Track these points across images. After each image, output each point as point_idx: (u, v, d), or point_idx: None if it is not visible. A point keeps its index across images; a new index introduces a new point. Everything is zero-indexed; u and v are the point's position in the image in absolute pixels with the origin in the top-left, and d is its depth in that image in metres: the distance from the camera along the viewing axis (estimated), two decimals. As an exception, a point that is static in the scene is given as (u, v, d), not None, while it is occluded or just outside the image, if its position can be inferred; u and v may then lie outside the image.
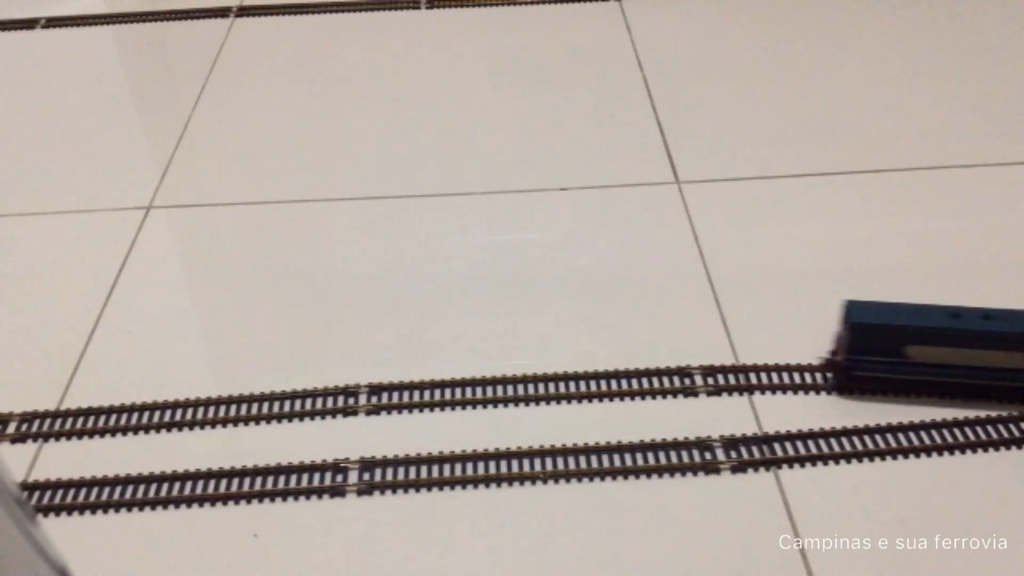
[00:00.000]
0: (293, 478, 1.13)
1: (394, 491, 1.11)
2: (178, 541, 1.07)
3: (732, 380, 1.21)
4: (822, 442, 1.14)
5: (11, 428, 1.19)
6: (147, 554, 1.05)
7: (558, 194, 1.55)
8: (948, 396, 1.18)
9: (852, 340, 1.15)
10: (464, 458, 1.14)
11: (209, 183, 1.60)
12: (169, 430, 1.19)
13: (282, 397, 1.22)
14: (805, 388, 1.21)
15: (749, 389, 1.21)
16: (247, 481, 1.12)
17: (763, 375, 1.22)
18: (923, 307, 1.16)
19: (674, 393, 1.21)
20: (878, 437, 1.15)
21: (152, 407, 1.21)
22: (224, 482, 1.12)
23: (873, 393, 1.19)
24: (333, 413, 1.20)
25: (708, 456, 1.13)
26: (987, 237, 1.43)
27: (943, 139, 1.62)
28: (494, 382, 1.23)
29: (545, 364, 1.25)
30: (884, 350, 1.15)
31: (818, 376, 1.21)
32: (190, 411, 1.21)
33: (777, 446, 1.14)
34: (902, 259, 1.40)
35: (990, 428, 1.15)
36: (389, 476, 1.13)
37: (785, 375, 1.22)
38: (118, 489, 1.12)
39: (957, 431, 1.14)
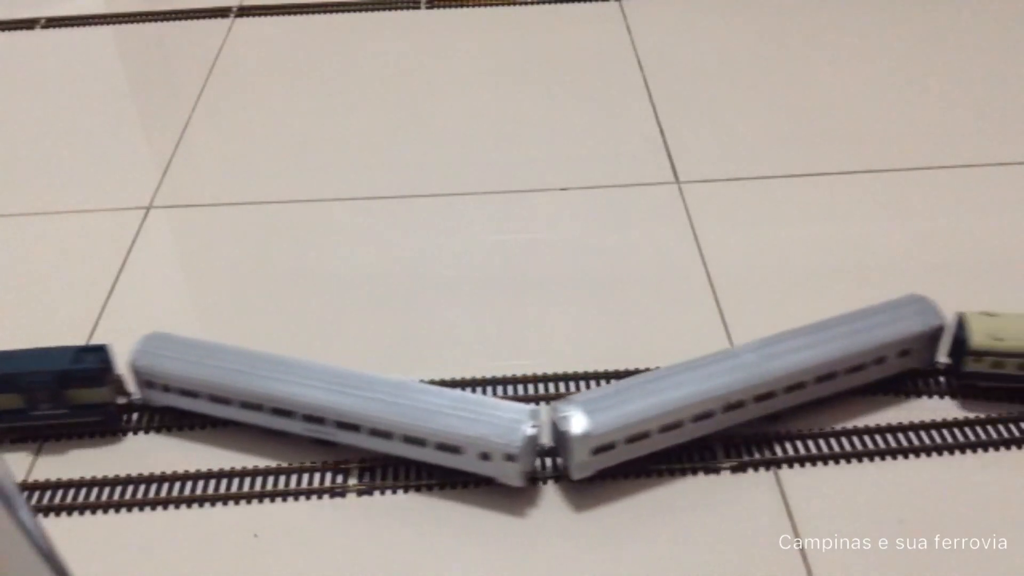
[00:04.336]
0: (293, 478, 1.13)
1: (394, 491, 1.11)
2: (178, 541, 1.07)
3: (732, 380, 1.21)
4: (822, 442, 1.14)
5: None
6: (147, 554, 1.05)
7: (558, 194, 1.55)
8: None
9: None
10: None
11: (209, 183, 1.60)
12: (169, 430, 1.19)
13: (282, 397, 1.22)
14: (805, 388, 1.21)
15: (749, 389, 1.21)
16: (247, 481, 1.12)
17: (763, 375, 1.22)
18: None
19: None
20: (878, 437, 1.15)
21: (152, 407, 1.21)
22: (224, 482, 1.12)
23: None
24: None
25: (708, 456, 1.13)
26: (987, 237, 1.43)
27: (943, 139, 1.62)
28: (494, 382, 1.23)
29: (545, 364, 1.24)
30: None
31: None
32: (190, 411, 1.21)
33: (777, 446, 1.14)
34: (902, 259, 1.40)
35: (990, 428, 1.15)
36: (389, 476, 1.13)
37: (785, 375, 1.22)
38: (118, 489, 1.12)
39: (957, 431, 1.14)
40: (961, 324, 1.15)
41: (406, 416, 1.07)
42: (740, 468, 1.12)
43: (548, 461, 1.13)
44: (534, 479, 1.11)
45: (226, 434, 1.17)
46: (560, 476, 1.11)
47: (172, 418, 1.19)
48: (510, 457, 1.04)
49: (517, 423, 1.04)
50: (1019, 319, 1.14)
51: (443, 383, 1.22)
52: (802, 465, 1.12)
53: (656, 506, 1.08)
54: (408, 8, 2.07)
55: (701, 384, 1.09)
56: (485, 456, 1.05)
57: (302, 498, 1.10)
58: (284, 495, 1.11)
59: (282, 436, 1.15)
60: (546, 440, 1.12)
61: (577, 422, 1.04)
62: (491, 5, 2.06)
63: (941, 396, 1.19)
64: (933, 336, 1.17)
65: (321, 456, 1.14)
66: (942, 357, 1.20)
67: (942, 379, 1.20)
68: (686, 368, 1.11)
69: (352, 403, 1.08)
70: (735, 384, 1.09)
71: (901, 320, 1.16)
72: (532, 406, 1.09)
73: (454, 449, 1.06)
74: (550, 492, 1.10)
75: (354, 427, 1.09)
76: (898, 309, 1.17)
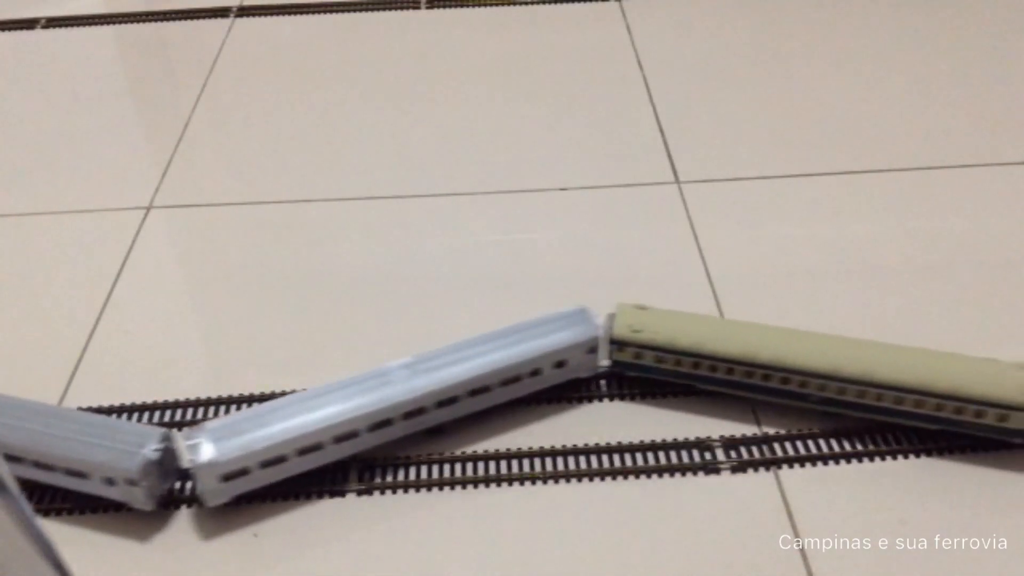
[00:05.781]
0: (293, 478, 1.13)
1: (394, 491, 1.11)
2: (178, 541, 1.07)
3: (732, 380, 1.22)
4: (822, 442, 1.14)
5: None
6: (147, 554, 1.05)
7: (558, 194, 1.55)
8: None
9: None
10: (464, 458, 1.14)
11: (209, 183, 1.60)
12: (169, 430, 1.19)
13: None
14: (805, 388, 1.21)
15: (749, 389, 1.21)
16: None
17: (763, 375, 1.22)
18: None
19: (674, 393, 1.21)
20: (877, 437, 1.15)
21: (152, 407, 1.21)
22: (224, 482, 1.12)
23: None
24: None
25: (708, 456, 1.13)
26: (987, 237, 1.43)
27: (943, 139, 1.63)
28: (494, 382, 1.23)
29: (545, 364, 1.25)
30: None
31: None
32: (190, 411, 1.21)
33: (777, 446, 1.14)
34: (902, 259, 1.40)
35: (990, 428, 1.15)
36: (389, 476, 1.13)
37: (785, 375, 1.22)
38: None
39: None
40: (612, 315, 1.19)
41: (33, 442, 1.05)
42: (740, 468, 1.12)
43: (190, 485, 1.12)
44: (173, 503, 1.10)
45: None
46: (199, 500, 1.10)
47: None
48: (132, 481, 1.03)
49: (139, 447, 1.04)
50: (667, 315, 1.18)
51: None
52: (802, 465, 1.12)
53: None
54: (408, 8, 2.07)
55: (343, 404, 1.08)
56: (110, 481, 1.05)
57: (302, 498, 1.10)
58: (285, 495, 1.11)
59: None
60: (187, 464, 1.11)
61: (204, 450, 1.03)
62: (491, 5, 2.06)
63: (602, 399, 1.20)
64: (590, 346, 1.17)
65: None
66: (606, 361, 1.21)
67: (602, 383, 1.23)
68: (332, 388, 1.10)
69: None
70: (379, 402, 1.09)
71: (556, 332, 1.16)
72: (163, 429, 1.07)
73: (80, 474, 1.05)
74: (184, 517, 1.09)
75: None
76: (556, 321, 1.18)
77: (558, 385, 1.20)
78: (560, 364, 1.17)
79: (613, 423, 1.18)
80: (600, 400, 1.21)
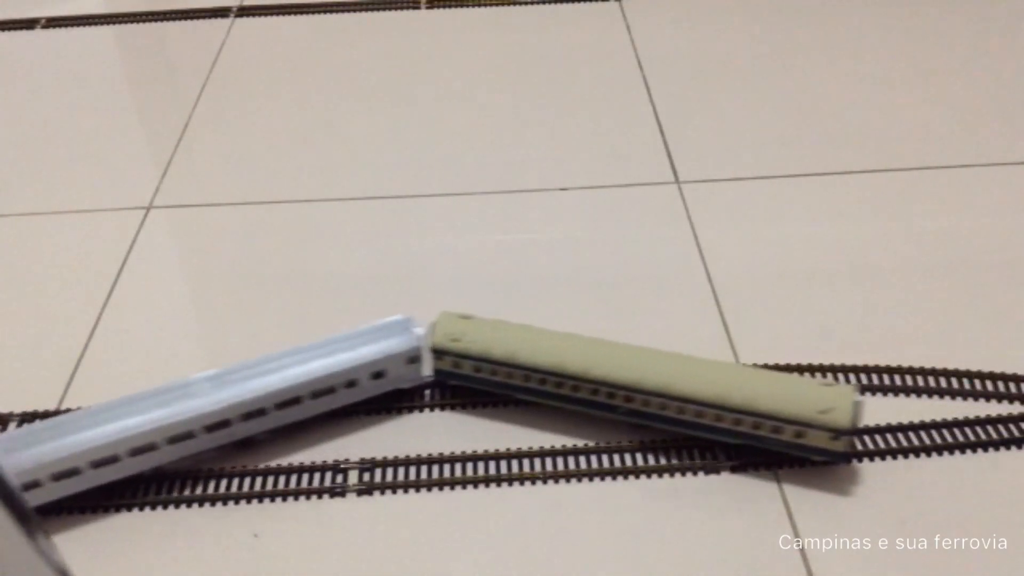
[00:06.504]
0: (293, 478, 1.13)
1: (394, 491, 1.11)
2: (178, 541, 1.07)
3: (732, 380, 1.21)
4: (822, 442, 1.14)
5: (11, 428, 1.19)
6: (147, 554, 1.05)
7: (558, 194, 1.55)
8: None
9: None
10: (464, 458, 1.14)
11: (209, 183, 1.60)
12: None
13: (282, 397, 1.22)
14: (805, 388, 1.21)
15: (749, 389, 1.21)
16: (247, 481, 1.12)
17: (763, 375, 1.22)
18: None
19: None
20: (878, 437, 1.15)
21: (152, 407, 1.21)
22: (224, 482, 1.12)
23: None
24: (333, 413, 1.20)
25: (708, 456, 1.13)
26: (987, 237, 1.43)
27: (943, 139, 1.63)
28: (494, 382, 1.23)
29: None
30: None
31: (819, 375, 1.21)
32: (190, 411, 1.21)
33: (777, 446, 1.14)
34: (902, 259, 1.40)
35: (990, 428, 1.15)
36: (389, 476, 1.13)
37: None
38: (118, 489, 1.12)
39: (957, 431, 1.15)
40: (433, 324, 1.18)
41: None
42: (740, 468, 1.12)
43: None
44: None
45: None
46: None
47: None
48: None
49: None
50: (486, 324, 1.16)
51: (443, 383, 1.23)
52: (802, 465, 1.12)
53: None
54: (408, 8, 2.07)
55: (141, 416, 1.07)
56: None
57: (302, 498, 1.11)
58: (284, 495, 1.11)
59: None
60: None
61: None
62: (491, 5, 2.06)
63: (432, 408, 1.20)
64: (410, 357, 1.16)
65: None
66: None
67: (427, 392, 1.22)
68: (132, 399, 1.09)
69: None
70: (178, 414, 1.08)
71: (374, 342, 1.15)
72: None
73: None
74: None
75: None
76: (377, 331, 1.17)
77: (385, 395, 1.19)
78: (379, 375, 1.16)
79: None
80: (420, 411, 1.20)
